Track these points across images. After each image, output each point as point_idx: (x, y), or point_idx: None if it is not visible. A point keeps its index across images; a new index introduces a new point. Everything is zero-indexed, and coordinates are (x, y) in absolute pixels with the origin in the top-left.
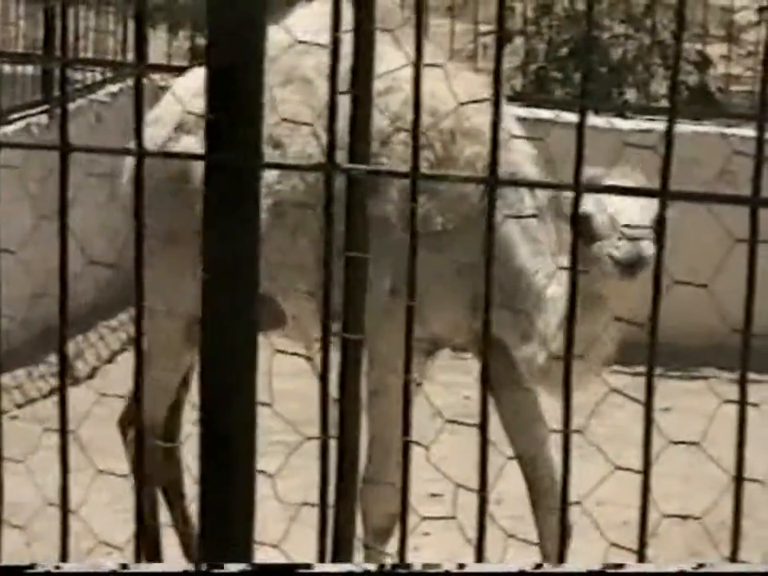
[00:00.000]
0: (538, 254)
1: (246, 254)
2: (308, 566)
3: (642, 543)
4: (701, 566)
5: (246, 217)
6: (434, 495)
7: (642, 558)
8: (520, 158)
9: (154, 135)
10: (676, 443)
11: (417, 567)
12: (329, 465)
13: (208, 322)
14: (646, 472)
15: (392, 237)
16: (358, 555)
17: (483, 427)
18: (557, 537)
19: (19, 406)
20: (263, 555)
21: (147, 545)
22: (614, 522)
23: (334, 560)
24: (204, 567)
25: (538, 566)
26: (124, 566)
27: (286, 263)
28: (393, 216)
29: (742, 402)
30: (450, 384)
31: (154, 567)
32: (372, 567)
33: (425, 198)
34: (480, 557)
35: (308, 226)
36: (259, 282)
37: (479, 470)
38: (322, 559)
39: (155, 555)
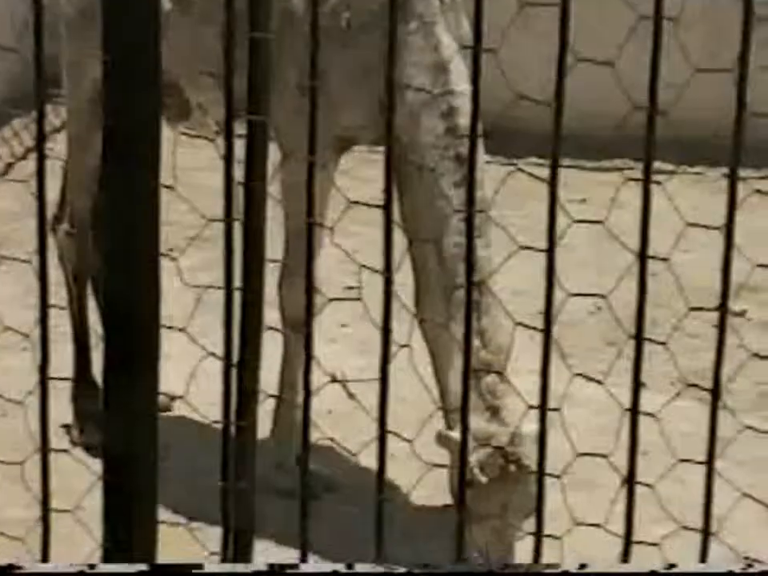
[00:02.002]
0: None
1: (146, 37)
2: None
3: (548, 322)
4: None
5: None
6: (349, 288)
7: (548, 337)
8: None
9: None
10: (578, 221)
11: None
12: (233, 247)
13: (110, 104)
14: (550, 251)
15: (298, 31)
16: (268, 341)
17: (387, 208)
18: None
19: None
20: (170, 342)
21: (77, 340)
22: (529, 311)
23: (242, 343)
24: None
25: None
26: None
27: (195, 52)
28: (299, 9)
29: (646, 181)
30: (369, 179)
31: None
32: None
33: None
34: (386, 342)
35: (216, 15)
36: (161, 65)
37: (384, 252)
38: (228, 344)
39: (84, 354)
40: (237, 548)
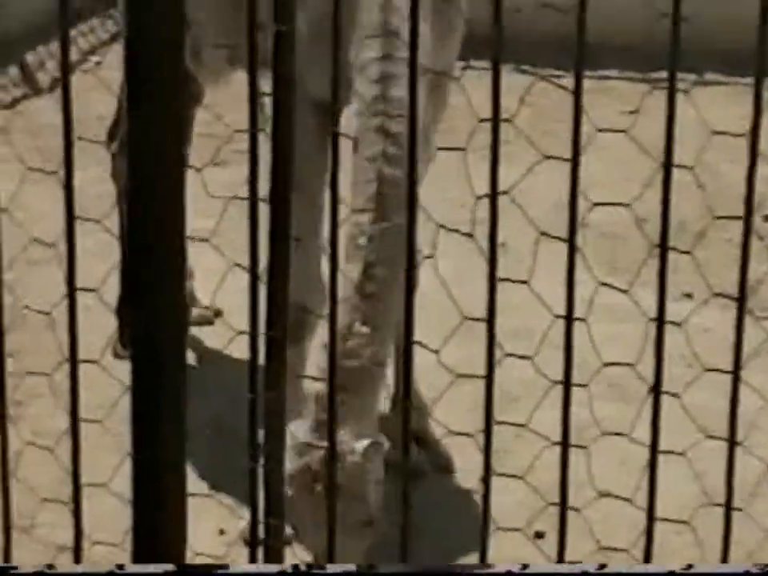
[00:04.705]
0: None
1: None
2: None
3: (573, 231)
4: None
5: None
6: None
7: (572, 246)
8: None
9: None
10: (600, 131)
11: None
12: (259, 158)
13: (131, 21)
14: (575, 159)
15: None
16: None
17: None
18: None
19: None
20: (201, 257)
21: (124, 252)
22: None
23: (271, 253)
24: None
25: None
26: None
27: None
28: None
29: (671, 89)
30: None
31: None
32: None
33: None
34: (411, 251)
35: None
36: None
37: (409, 161)
38: (254, 254)
39: None
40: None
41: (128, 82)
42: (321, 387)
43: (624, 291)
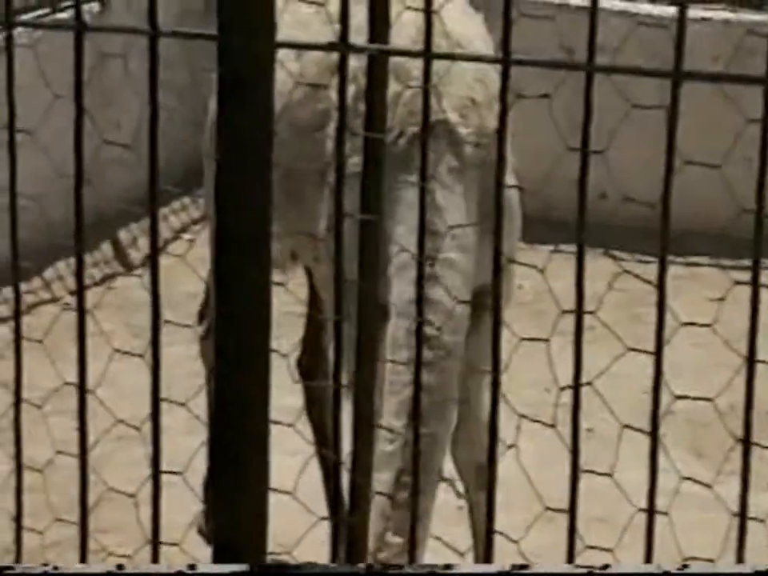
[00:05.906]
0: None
1: (259, 133)
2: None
3: (655, 427)
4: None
5: (259, 97)
6: None
7: (655, 442)
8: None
9: None
10: (685, 324)
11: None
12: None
13: (221, 200)
14: (658, 352)
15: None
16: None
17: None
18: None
19: (73, 293)
20: (284, 437)
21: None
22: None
23: (354, 439)
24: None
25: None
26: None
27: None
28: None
29: (755, 284)
30: None
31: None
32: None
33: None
34: (493, 439)
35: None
36: (271, 161)
37: (492, 352)
38: (337, 440)
39: None
40: None
41: (215, 271)
42: None
43: (708, 486)
